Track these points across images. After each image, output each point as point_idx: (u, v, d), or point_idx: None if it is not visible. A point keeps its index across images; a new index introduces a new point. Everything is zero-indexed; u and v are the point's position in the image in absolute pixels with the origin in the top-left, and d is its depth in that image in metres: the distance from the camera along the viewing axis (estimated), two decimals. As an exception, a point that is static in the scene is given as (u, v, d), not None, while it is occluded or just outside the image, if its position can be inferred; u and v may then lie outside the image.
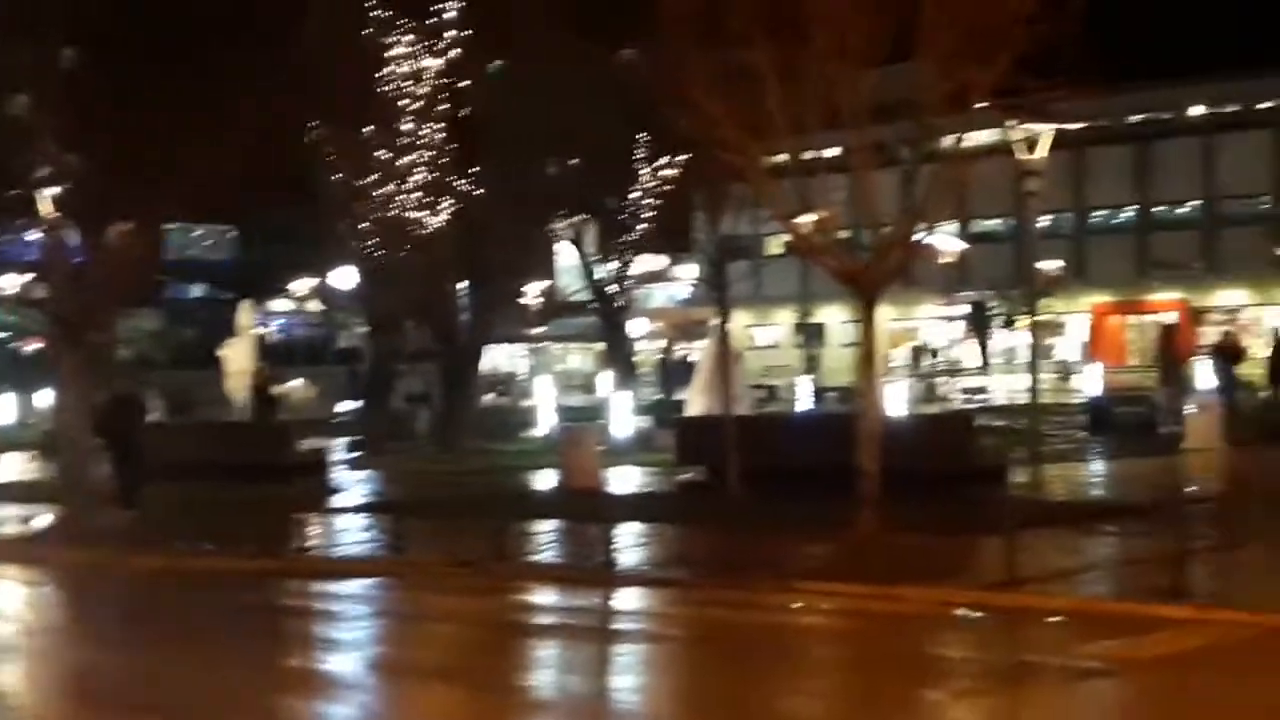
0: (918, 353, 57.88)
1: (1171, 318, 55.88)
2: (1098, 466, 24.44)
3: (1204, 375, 36.98)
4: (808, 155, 15.98)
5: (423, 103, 30.49)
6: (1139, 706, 9.68)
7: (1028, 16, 14.06)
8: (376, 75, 30.35)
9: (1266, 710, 9.16)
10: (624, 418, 30.20)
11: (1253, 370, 34.14)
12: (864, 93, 14.71)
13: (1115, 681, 10.07)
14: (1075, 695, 9.84)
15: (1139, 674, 10.23)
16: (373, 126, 30.61)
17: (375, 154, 30.73)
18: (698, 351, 32.94)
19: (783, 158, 16.12)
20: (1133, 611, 11.88)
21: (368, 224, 31.50)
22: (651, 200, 36.71)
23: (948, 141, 16.11)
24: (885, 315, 59.22)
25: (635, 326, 45.68)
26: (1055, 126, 22.23)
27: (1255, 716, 9.09)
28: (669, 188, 35.97)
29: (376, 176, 30.79)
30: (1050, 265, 56.42)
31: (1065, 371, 49.21)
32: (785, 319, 61.85)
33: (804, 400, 35.23)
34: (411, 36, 30.58)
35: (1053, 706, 9.65)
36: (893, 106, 15.87)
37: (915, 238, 15.64)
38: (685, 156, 32.36)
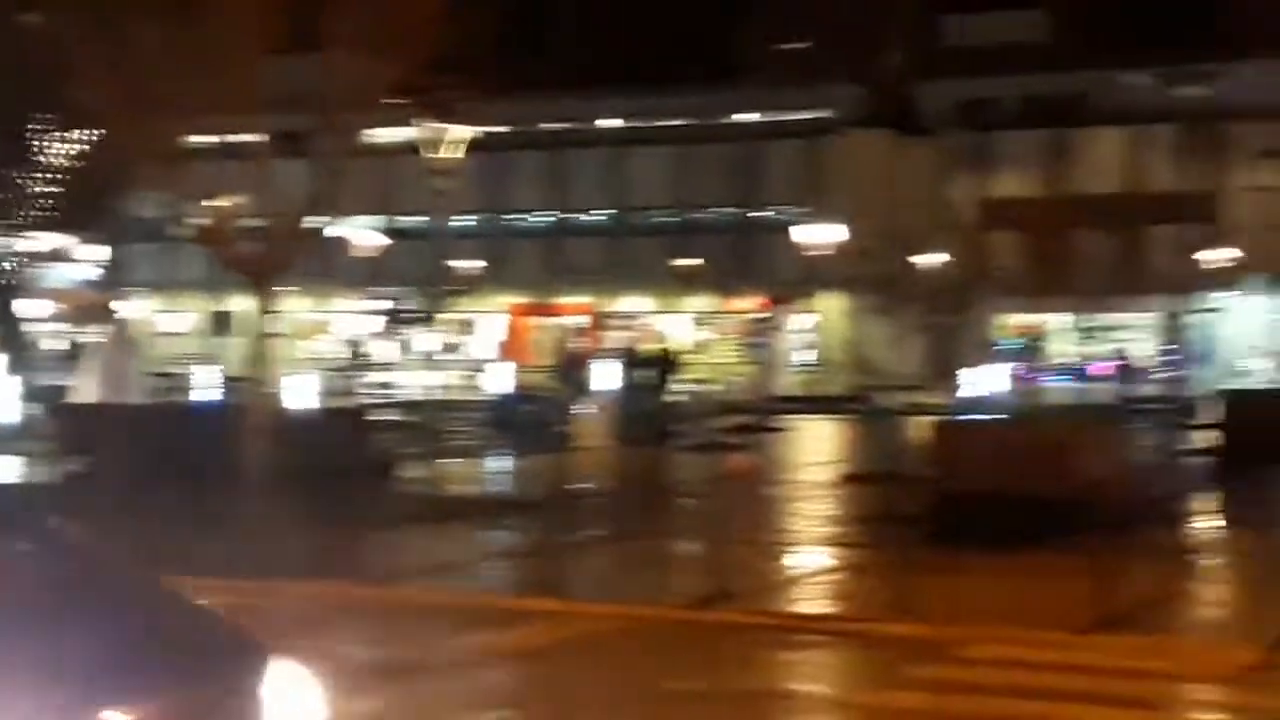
0: (353, 347, 57.71)
1: (580, 321, 58.48)
2: (496, 463, 25.08)
3: (604, 377, 38.80)
4: (210, 140, 15.56)
5: None
6: (509, 697, 9.92)
7: (436, 16, 14.21)
8: None
9: (620, 697, 9.60)
10: (9, 403, 28.30)
11: (648, 374, 36.11)
12: (266, 80, 14.43)
13: (489, 673, 10.29)
14: (450, 688, 9.98)
15: (511, 665, 10.50)
16: None
17: None
18: (94, 335, 31.35)
19: (185, 141, 15.59)
20: (511, 604, 12.18)
21: None
22: (54, 175, 34.62)
23: (357, 135, 16.07)
24: (301, 307, 58.97)
25: (32, 308, 43.02)
26: (468, 128, 22.66)
27: (612, 703, 9.51)
28: (76, 164, 34.05)
29: None
30: (468, 265, 57.69)
31: (477, 369, 50.36)
32: (197, 306, 60.14)
33: (208, 390, 34.22)
34: None
35: (429, 699, 9.74)
36: (301, 96, 15.66)
37: (314, 229, 15.49)
38: (92, 132, 30.78)
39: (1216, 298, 52.09)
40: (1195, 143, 54.10)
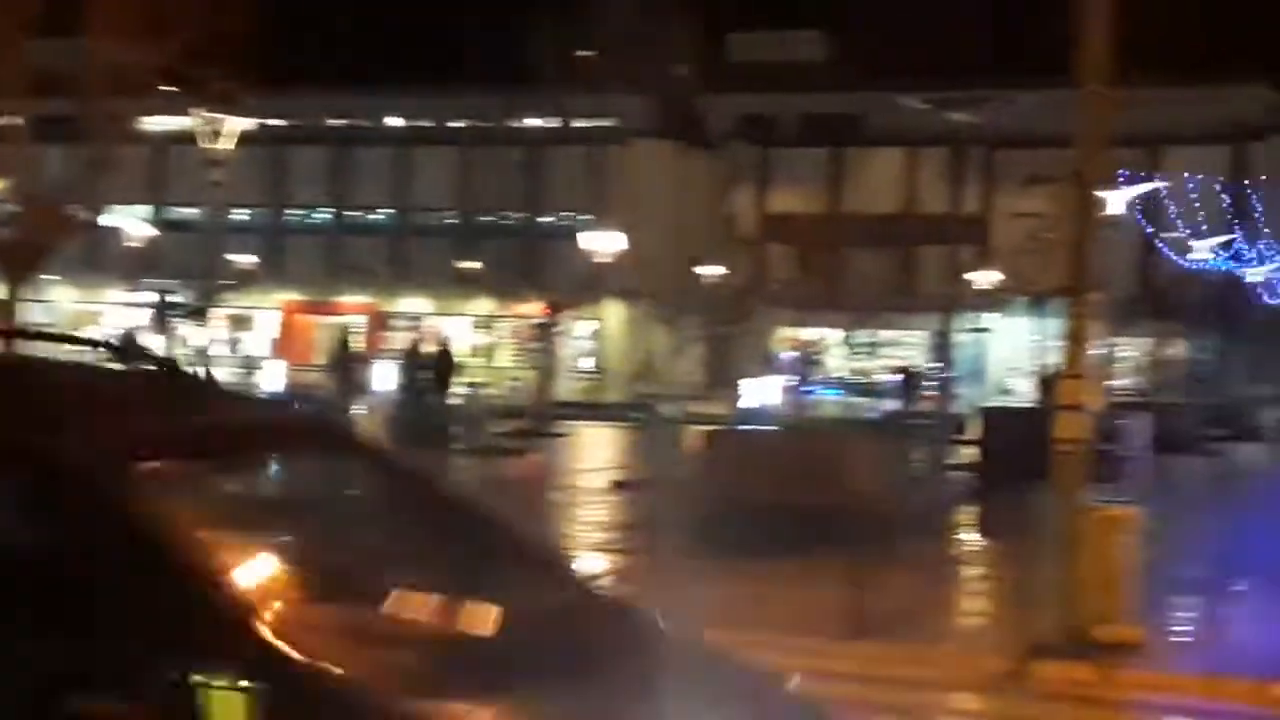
0: (122, 340, 55.77)
1: (358, 320, 57.68)
2: (265, 462, 24.47)
3: (381, 378, 38.31)
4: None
5: None
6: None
7: (201, 2, 13.81)
8: None
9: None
10: None
11: (426, 376, 35.79)
12: (26, 62, 13.85)
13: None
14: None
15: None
16: None
17: None
18: None
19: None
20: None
21: None
22: None
23: (125, 122, 15.54)
24: (67, 297, 56.87)
25: None
26: (244, 118, 22.12)
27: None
28: None
29: None
30: (244, 259, 56.49)
31: (251, 367, 49.29)
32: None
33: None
34: None
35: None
36: (64, 80, 15.09)
37: (78, 216, 14.93)
38: None
39: (984, 318, 53.79)
40: (965, 167, 55.88)
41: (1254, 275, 53.43)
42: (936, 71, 48.73)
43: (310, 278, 60.04)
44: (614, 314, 58.10)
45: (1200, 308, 51.77)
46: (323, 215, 62.53)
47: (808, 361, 56.24)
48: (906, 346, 55.96)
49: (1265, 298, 53.90)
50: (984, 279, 52.52)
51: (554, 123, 59.71)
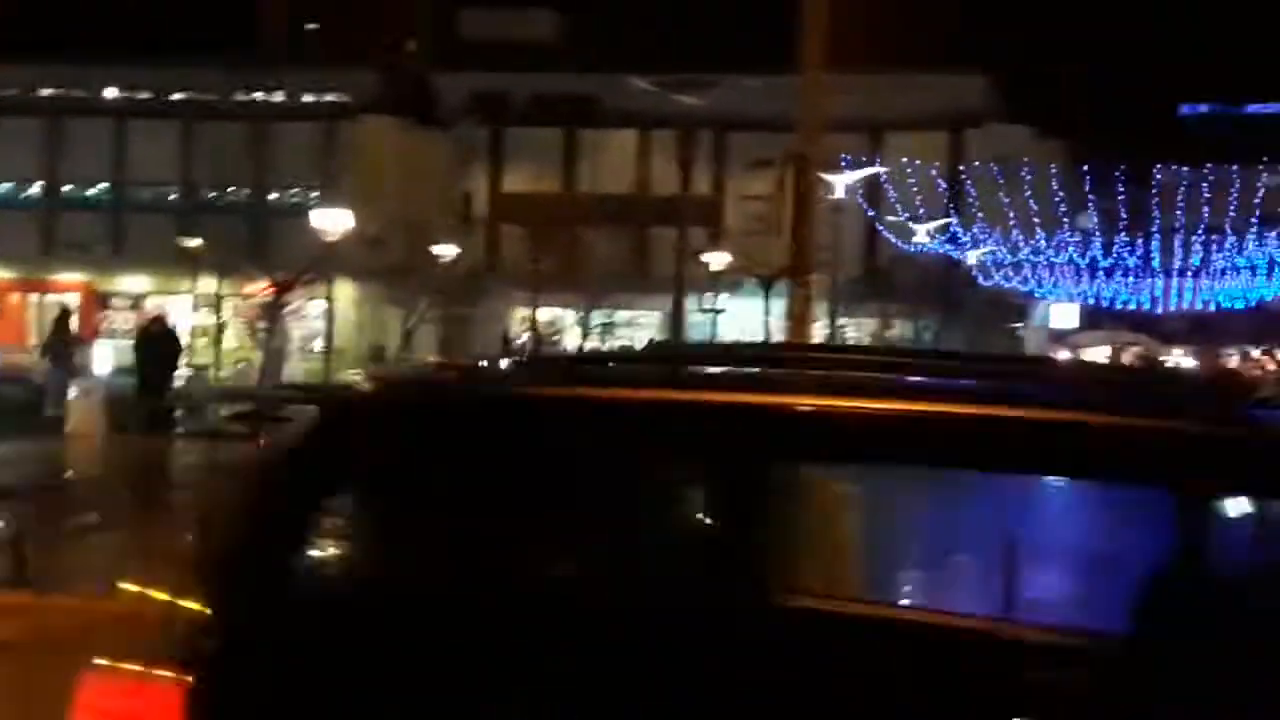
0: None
1: (74, 299, 55.51)
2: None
3: (99, 359, 36.95)
4: None
5: None
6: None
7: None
8: None
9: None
10: None
11: (148, 358, 34.53)
12: None
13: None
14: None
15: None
16: None
17: None
18: None
19: None
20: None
21: None
22: None
23: None
24: None
25: None
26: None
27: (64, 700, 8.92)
28: None
29: None
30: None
31: (-43, 348, 47.01)
32: None
33: None
34: None
35: None
36: None
37: None
38: None
39: (716, 298, 54.76)
40: (696, 149, 56.70)
41: (970, 257, 55.65)
42: (667, 54, 49.32)
43: (21, 254, 57.42)
44: (345, 294, 57.05)
45: (920, 289, 53.68)
46: (34, 189, 59.96)
47: (542, 341, 56.37)
48: (641, 327, 56.55)
49: (980, 279, 56.21)
50: (716, 260, 53.41)
51: (280, 97, 58.38)
